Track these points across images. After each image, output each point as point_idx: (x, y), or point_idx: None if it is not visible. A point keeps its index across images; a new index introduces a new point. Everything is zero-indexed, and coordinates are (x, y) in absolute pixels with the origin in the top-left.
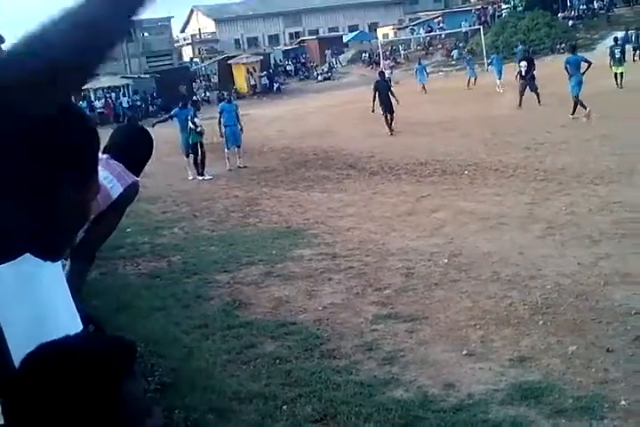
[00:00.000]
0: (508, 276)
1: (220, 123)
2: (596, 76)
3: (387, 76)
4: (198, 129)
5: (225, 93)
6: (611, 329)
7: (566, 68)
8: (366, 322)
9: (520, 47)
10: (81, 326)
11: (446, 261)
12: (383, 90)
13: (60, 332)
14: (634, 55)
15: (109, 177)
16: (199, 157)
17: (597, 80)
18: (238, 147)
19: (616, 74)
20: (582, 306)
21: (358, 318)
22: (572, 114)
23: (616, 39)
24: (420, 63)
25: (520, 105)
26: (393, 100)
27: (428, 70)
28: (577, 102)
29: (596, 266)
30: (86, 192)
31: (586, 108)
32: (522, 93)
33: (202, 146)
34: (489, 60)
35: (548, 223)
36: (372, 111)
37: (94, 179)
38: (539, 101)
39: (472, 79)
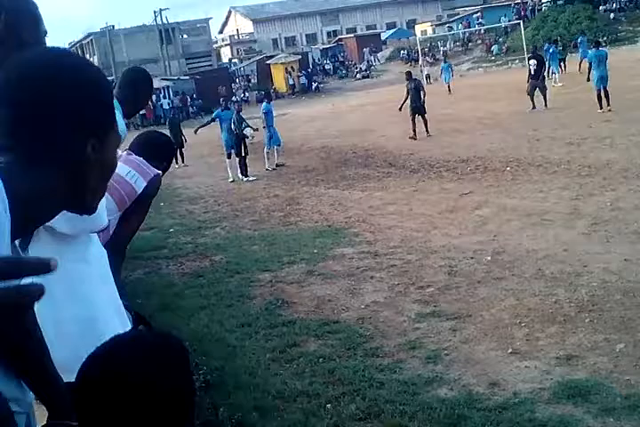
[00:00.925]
0: (553, 273)
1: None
2: None
3: (425, 73)
4: (246, 131)
5: (263, 93)
6: None
7: (590, 63)
8: (409, 320)
9: (581, 38)
10: (130, 325)
11: (489, 258)
12: (412, 91)
13: (111, 331)
14: None
15: (132, 172)
16: (243, 159)
17: None
18: (278, 146)
19: None
20: (629, 303)
21: (401, 317)
22: (600, 108)
23: None
24: (445, 61)
25: (534, 107)
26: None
27: (466, 67)
28: (600, 96)
29: None
30: (110, 148)
31: (601, 108)
32: (531, 95)
33: (245, 147)
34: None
35: (592, 219)
36: (400, 110)
37: (114, 130)
38: (545, 104)
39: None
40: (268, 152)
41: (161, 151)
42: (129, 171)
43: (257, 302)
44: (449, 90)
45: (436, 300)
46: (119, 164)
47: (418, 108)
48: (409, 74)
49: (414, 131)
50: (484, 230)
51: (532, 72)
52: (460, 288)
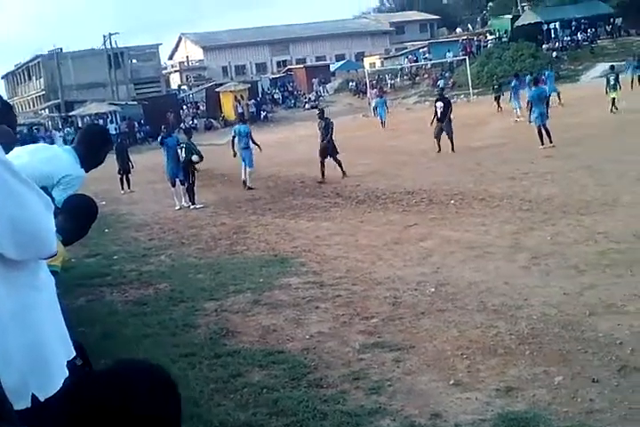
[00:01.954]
0: (495, 305)
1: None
2: (585, 105)
3: (373, 105)
4: (193, 158)
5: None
6: (596, 359)
7: (530, 102)
8: (353, 351)
9: (547, 72)
10: (74, 353)
11: (433, 290)
12: (322, 130)
13: (56, 358)
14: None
15: None
16: (191, 186)
17: (589, 110)
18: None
19: (614, 99)
20: (568, 336)
21: (345, 347)
22: (542, 144)
23: (612, 67)
24: (381, 96)
25: (439, 150)
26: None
27: (412, 100)
28: (541, 133)
29: (581, 296)
30: None
31: (543, 143)
32: (438, 137)
33: (193, 174)
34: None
35: (533, 253)
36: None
37: None
38: (452, 148)
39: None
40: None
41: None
42: None
43: (201, 332)
44: (382, 124)
45: (380, 331)
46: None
47: (327, 149)
48: (321, 112)
49: (323, 174)
50: (427, 262)
51: (439, 115)
52: (403, 319)
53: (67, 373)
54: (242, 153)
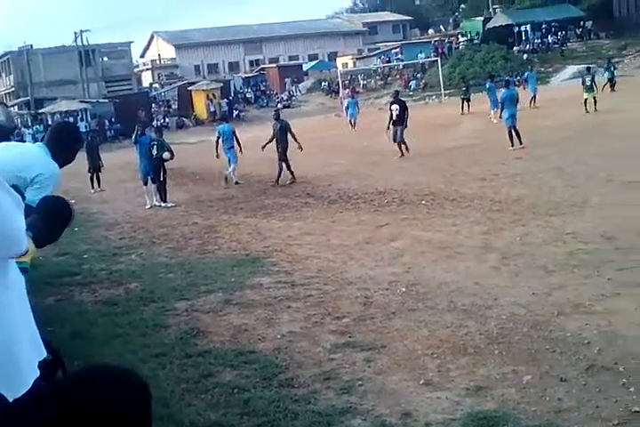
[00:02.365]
0: (465, 305)
1: (217, 145)
2: (556, 107)
3: (345, 105)
4: (165, 155)
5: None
6: (564, 359)
7: (502, 102)
8: (325, 351)
9: (528, 73)
10: (45, 353)
11: (404, 290)
12: (278, 133)
13: (26, 357)
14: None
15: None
16: (162, 184)
17: (559, 112)
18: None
19: (586, 100)
20: (536, 336)
21: (317, 347)
22: (512, 146)
23: (588, 68)
24: (352, 97)
25: (402, 154)
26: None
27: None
28: (511, 134)
29: (549, 296)
30: None
31: (513, 145)
32: (402, 142)
33: (165, 172)
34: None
35: (502, 253)
36: (262, 149)
37: None
38: (401, 153)
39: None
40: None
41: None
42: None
43: (172, 332)
44: (352, 125)
45: (352, 330)
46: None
47: (284, 154)
48: (277, 113)
49: (278, 177)
50: (399, 262)
51: (395, 118)
52: (374, 319)
53: (37, 372)
54: (227, 153)
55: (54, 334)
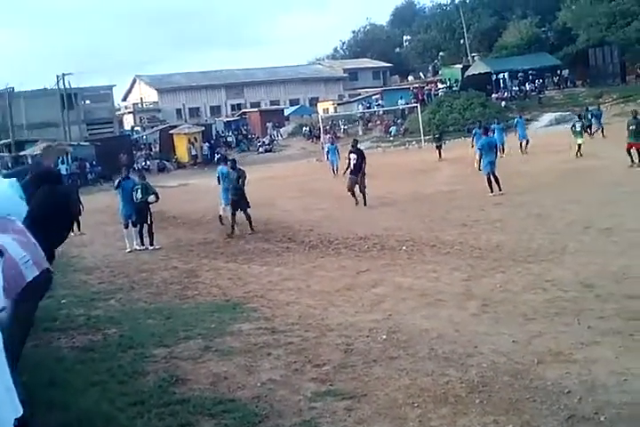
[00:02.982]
0: (445, 353)
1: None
2: (534, 154)
3: (326, 150)
4: (150, 198)
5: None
6: (545, 408)
7: (481, 148)
8: (305, 399)
9: (517, 119)
10: (21, 411)
11: (385, 337)
12: (235, 181)
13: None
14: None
15: (27, 257)
16: (149, 227)
17: (538, 158)
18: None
19: (579, 145)
20: (517, 385)
21: (297, 396)
22: (492, 192)
23: (579, 115)
24: (332, 143)
25: (357, 202)
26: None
27: (365, 146)
28: (490, 181)
29: (529, 344)
30: None
31: (492, 191)
32: (352, 190)
33: (151, 215)
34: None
35: (483, 300)
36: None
37: None
38: (364, 202)
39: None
40: (224, 208)
41: None
42: (24, 255)
43: (150, 379)
44: (334, 171)
45: (332, 378)
46: (14, 244)
47: (237, 203)
48: (233, 162)
49: (233, 227)
50: (379, 309)
51: (352, 167)
52: (355, 367)
53: None
54: (223, 194)
55: (30, 382)
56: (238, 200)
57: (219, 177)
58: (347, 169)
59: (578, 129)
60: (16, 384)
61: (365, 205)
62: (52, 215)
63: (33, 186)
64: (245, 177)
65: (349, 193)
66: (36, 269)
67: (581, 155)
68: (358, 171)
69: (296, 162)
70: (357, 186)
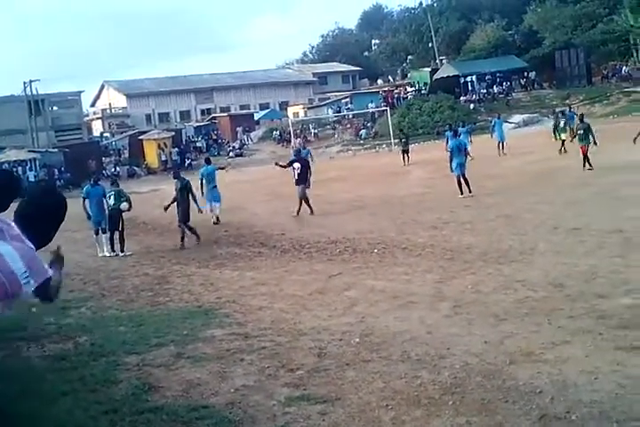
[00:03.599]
0: (418, 355)
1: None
2: (502, 156)
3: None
4: (122, 206)
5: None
6: (517, 408)
7: (451, 151)
8: (279, 404)
9: (495, 120)
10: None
11: (358, 340)
12: (178, 192)
13: None
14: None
15: (26, 273)
16: (121, 234)
17: (506, 160)
18: (218, 202)
19: (564, 141)
20: (490, 385)
21: (271, 401)
22: (461, 194)
23: (562, 112)
24: (304, 147)
25: (312, 213)
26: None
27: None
28: (460, 182)
29: (501, 345)
30: None
31: (462, 193)
32: (305, 198)
33: (123, 221)
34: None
35: (455, 302)
36: (165, 210)
37: None
38: (297, 212)
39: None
40: (211, 209)
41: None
42: (24, 272)
43: (123, 387)
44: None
45: (306, 383)
46: (15, 255)
47: (184, 216)
48: (176, 172)
49: (182, 240)
50: (352, 312)
51: (297, 177)
52: (329, 371)
53: None
54: (211, 191)
55: (0, 391)
56: (183, 213)
57: (201, 178)
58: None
59: (562, 125)
60: None
61: (312, 213)
62: (41, 216)
63: None
64: (191, 187)
65: (305, 203)
66: (34, 283)
67: (566, 151)
68: (305, 180)
69: (266, 166)
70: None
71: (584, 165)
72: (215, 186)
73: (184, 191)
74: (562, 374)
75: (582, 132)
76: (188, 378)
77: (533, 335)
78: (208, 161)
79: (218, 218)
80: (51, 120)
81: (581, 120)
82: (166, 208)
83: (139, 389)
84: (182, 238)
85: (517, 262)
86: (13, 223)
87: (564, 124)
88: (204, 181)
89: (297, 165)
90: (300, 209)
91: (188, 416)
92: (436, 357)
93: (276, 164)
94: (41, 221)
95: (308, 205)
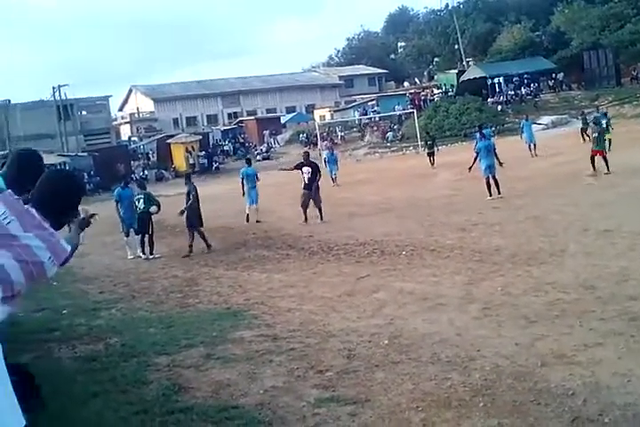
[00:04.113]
0: (448, 357)
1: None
2: (531, 158)
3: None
4: (151, 209)
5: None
6: (549, 411)
7: (477, 152)
8: (308, 406)
9: (524, 122)
10: (24, 422)
11: (387, 342)
12: (186, 197)
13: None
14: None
15: (51, 258)
16: (150, 237)
17: (535, 162)
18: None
19: (610, 140)
20: (521, 387)
21: (300, 402)
22: (490, 196)
23: (605, 113)
24: (330, 150)
25: (306, 221)
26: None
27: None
28: (489, 184)
29: (532, 347)
30: None
31: (490, 195)
32: (305, 206)
33: (152, 224)
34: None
35: (484, 304)
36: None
37: None
38: (321, 217)
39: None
40: (250, 207)
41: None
42: (49, 257)
43: (153, 388)
44: (333, 180)
45: (335, 384)
46: (40, 244)
47: (191, 220)
48: (187, 177)
49: (190, 247)
50: (381, 314)
51: (307, 181)
52: (358, 372)
53: None
54: (250, 192)
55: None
56: (190, 217)
57: (242, 178)
58: (304, 184)
59: (604, 126)
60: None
61: (322, 220)
62: (53, 199)
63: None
64: (197, 192)
65: (302, 209)
66: (55, 265)
67: (610, 150)
68: (312, 185)
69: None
70: (313, 202)
71: (607, 169)
72: (254, 187)
73: (189, 196)
74: (594, 377)
75: (597, 135)
76: (218, 379)
77: (565, 338)
78: (249, 162)
79: (248, 217)
80: (80, 124)
81: (596, 123)
82: (182, 213)
83: (169, 389)
84: (190, 245)
85: (547, 264)
86: (34, 210)
87: (607, 124)
88: (244, 182)
89: (306, 169)
90: (306, 216)
91: (218, 417)
92: (466, 359)
93: (281, 169)
94: (55, 204)
95: (304, 213)
